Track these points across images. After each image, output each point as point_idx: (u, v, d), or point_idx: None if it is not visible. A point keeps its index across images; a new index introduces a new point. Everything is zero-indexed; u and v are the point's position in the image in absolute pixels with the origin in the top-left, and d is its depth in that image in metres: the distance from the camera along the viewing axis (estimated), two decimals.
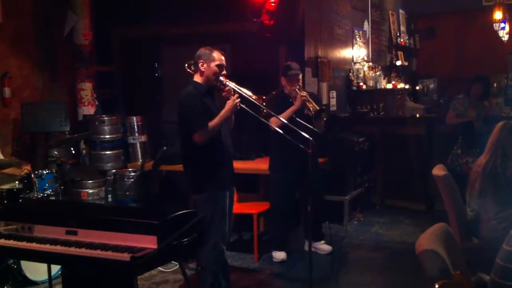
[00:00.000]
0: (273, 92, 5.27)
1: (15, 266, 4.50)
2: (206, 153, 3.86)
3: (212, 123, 3.82)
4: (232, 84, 3.89)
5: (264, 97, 3.96)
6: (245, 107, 3.90)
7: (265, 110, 4.07)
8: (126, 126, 6.58)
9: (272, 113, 4.20)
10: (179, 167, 5.75)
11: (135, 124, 6.58)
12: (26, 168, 5.04)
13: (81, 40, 6.82)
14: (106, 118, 6.46)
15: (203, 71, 3.89)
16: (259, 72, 6.73)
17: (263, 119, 4.20)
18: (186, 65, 4.11)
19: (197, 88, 3.89)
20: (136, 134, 6.57)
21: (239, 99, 3.85)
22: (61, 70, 7.02)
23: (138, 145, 6.57)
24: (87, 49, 6.88)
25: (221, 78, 3.89)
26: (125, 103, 7.53)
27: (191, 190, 4.03)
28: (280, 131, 4.16)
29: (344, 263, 5.15)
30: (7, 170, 5.15)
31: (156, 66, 7.30)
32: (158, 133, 6.82)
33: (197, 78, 3.94)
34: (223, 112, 3.86)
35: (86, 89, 6.87)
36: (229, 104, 3.86)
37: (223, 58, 3.93)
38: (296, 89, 5.02)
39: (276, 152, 5.22)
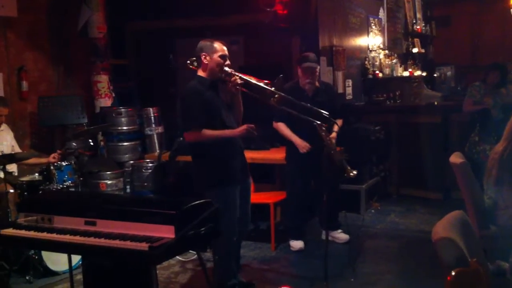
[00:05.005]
0: (286, 84, 5.18)
1: (36, 257, 4.58)
2: (212, 149, 3.76)
3: (215, 133, 3.73)
4: (238, 74, 3.76)
5: (271, 81, 3.77)
6: (253, 94, 3.76)
7: (277, 95, 3.78)
8: (143, 117, 6.63)
9: (285, 95, 3.84)
10: None
11: (152, 115, 6.63)
12: (54, 156, 5.09)
13: (95, 33, 6.87)
14: (123, 110, 6.52)
15: (207, 64, 3.77)
16: (272, 63, 6.71)
17: (273, 103, 3.85)
18: (188, 62, 3.96)
19: (200, 83, 3.78)
20: (153, 125, 6.62)
21: (252, 127, 3.73)
22: (76, 64, 7.08)
23: (154, 136, 6.61)
24: (102, 42, 6.93)
25: (226, 68, 3.77)
26: (141, 96, 7.57)
27: (200, 187, 3.89)
28: (289, 110, 3.98)
29: (361, 252, 5.14)
30: (31, 161, 5.20)
31: (170, 58, 7.31)
32: (173, 125, 6.84)
33: (201, 73, 3.83)
34: (232, 132, 3.78)
35: (103, 82, 6.93)
36: (241, 131, 3.77)
37: (225, 48, 3.80)
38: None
39: (291, 142, 5.21)
